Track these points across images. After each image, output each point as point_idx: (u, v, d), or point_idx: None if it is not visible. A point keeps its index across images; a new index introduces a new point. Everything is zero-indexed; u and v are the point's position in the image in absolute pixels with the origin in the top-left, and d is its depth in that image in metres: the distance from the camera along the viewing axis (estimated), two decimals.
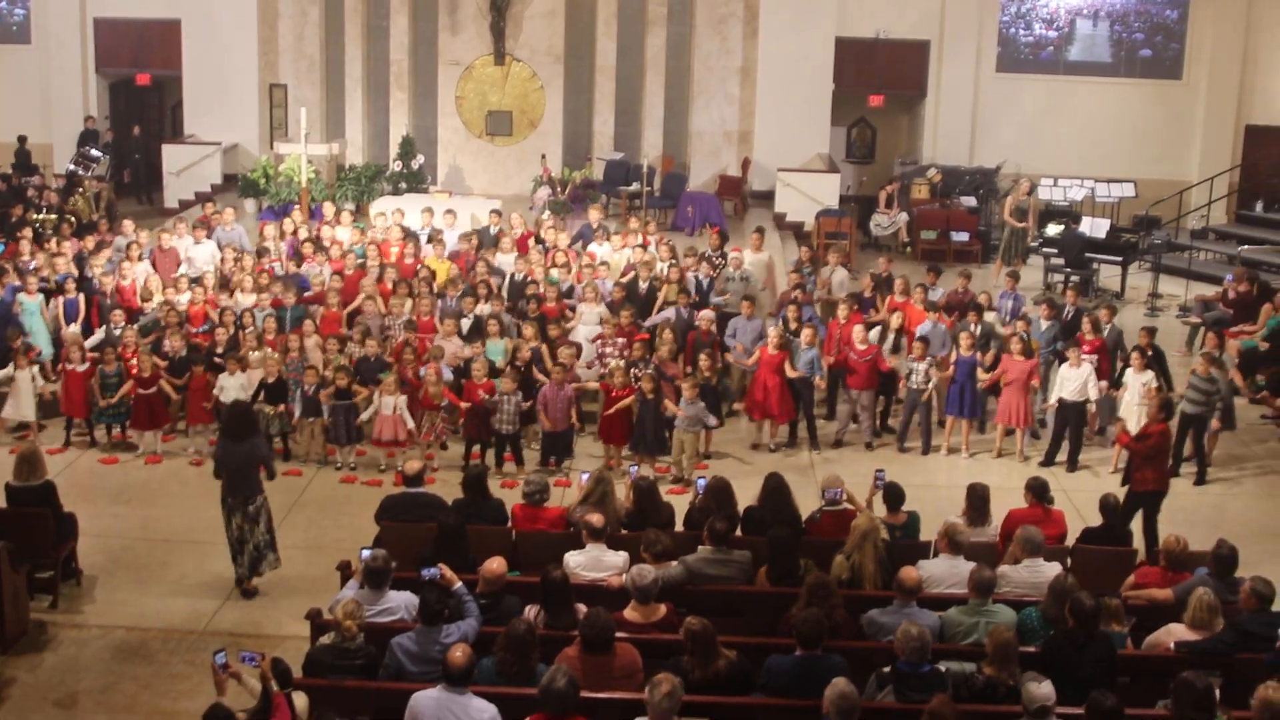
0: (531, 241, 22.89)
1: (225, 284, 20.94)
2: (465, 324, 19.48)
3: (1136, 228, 30.44)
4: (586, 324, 19.60)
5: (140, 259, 21.60)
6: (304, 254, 21.97)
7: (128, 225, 23.12)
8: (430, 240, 22.81)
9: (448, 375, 18.13)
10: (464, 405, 17.71)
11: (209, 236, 23.03)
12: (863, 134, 35.15)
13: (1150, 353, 18.56)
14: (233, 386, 17.66)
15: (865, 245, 30.07)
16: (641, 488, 13.65)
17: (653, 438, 17.67)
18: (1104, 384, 18.66)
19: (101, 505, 16.53)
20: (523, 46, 31.52)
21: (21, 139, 31.38)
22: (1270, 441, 19.96)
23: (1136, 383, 18.05)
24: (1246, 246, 29.83)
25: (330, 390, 17.74)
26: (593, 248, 22.94)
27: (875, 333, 19.26)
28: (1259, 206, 33.08)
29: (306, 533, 15.95)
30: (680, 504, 14.38)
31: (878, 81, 32.87)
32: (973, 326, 19.35)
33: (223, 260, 22.08)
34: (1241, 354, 21.50)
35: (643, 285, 20.96)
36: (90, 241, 22.64)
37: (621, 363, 18.16)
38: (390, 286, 20.52)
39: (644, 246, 22.76)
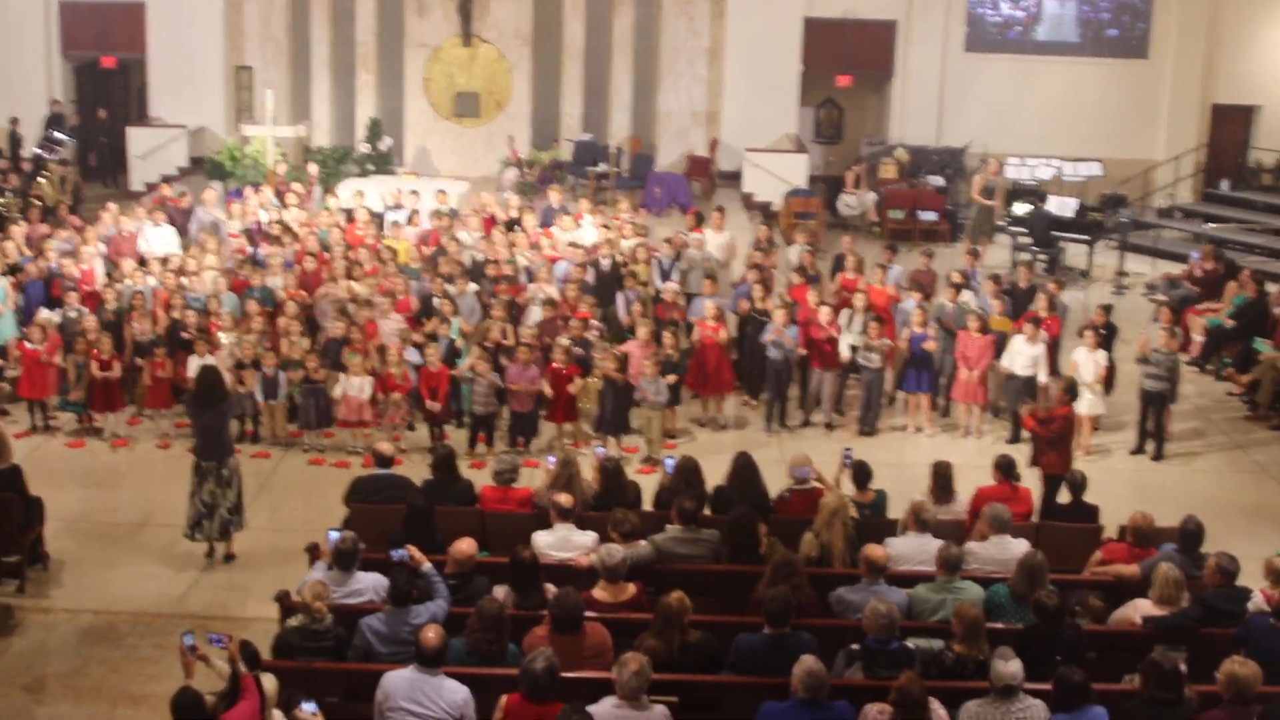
0: (498, 222, 22.85)
1: (194, 266, 20.78)
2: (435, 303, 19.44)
3: (1103, 206, 30.51)
4: (539, 305, 19.55)
5: (95, 242, 21.50)
6: (273, 235, 21.88)
7: (108, 212, 22.98)
8: (398, 222, 22.73)
9: (414, 357, 18.06)
10: (432, 403, 17.70)
11: (170, 220, 22.92)
12: (830, 114, 35.14)
13: (1104, 331, 18.62)
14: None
15: (833, 225, 30.09)
16: (607, 468, 13.65)
17: (613, 418, 17.67)
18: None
19: (69, 489, 16.46)
20: (490, 28, 31.48)
21: (13, 120, 31.03)
22: (1235, 418, 20.07)
23: (1089, 361, 18.12)
24: (1212, 225, 29.96)
25: (300, 374, 17.70)
26: (552, 227, 22.93)
27: (844, 315, 19.26)
28: (1225, 185, 33.24)
29: (275, 515, 15.92)
30: (649, 483, 14.38)
31: (845, 62, 32.84)
32: (949, 304, 19.41)
33: (198, 242, 21.91)
34: (1208, 331, 21.63)
35: (604, 264, 20.92)
36: (51, 230, 22.49)
37: (565, 341, 18.10)
38: (354, 267, 20.45)
39: (606, 226, 22.75)
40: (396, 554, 11.03)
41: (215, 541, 14.52)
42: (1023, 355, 18.32)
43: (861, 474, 13.59)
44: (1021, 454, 16.52)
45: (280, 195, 24.55)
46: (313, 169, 25.69)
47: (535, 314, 19.22)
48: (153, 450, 17.77)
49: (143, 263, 20.71)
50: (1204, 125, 33.77)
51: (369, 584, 11.24)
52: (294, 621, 10.57)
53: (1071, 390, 15.63)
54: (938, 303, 19.66)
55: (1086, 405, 18.19)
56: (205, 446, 14.36)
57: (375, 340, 18.45)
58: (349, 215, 23.12)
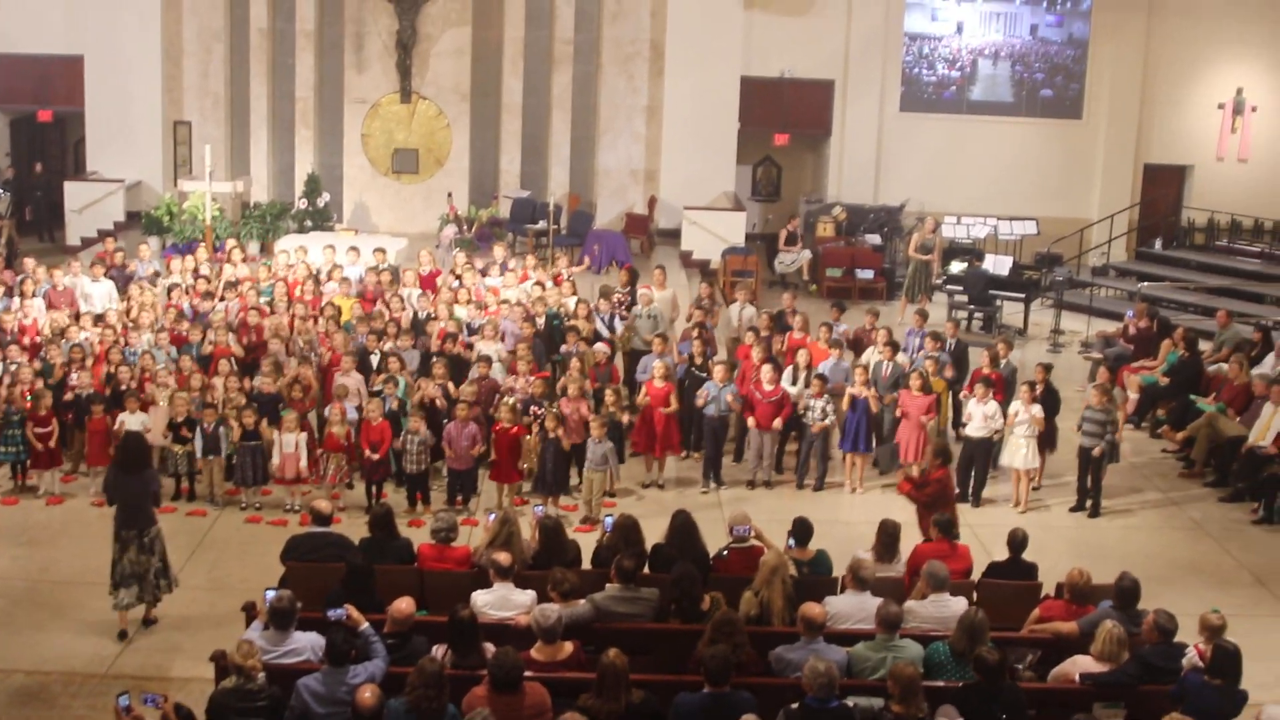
0: (440, 280, 22.82)
1: (131, 322, 20.60)
2: (372, 361, 19.37)
3: (1039, 265, 30.84)
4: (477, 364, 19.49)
5: (35, 295, 21.36)
6: (210, 292, 21.79)
7: (28, 263, 22.83)
8: (331, 278, 22.66)
9: (352, 414, 17.98)
10: (370, 454, 17.59)
11: (112, 273, 22.79)
12: (768, 172, 35.38)
13: (1042, 388, 18.75)
14: (134, 424, 17.45)
15: (772, 283, 30.22)
16: (547, 526, 13.59)
17: (553, 478, 17.64)
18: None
19: (1, 547, 16.27)
20: (429, 84, 31.53)
21: None
22: (1170, 475, 20.21)
23: (1024, 415, 18.29)
24: (1146, 283, 30.24)
25: (238, 431, 17.58)
26: (493, 281, 22.92)
27: (788, 373, 19.32)
28: (1158, 244, 33.70)
29: (211, 574, 15.75)
30: (589, 542, 14.34)
31: (783, 120, 33.12)
32: (887, 364, 19.51)
33: (128, 296, 21.78)
34: (1143, 389, 21.79)
35: (539, 322, 20.90)
36: None
37: (511, 400, 18.08)
38: (295, 323, 20.40)
39: (541, 284, 22.76)
40: (334, 613, 10.95)
41: (148, 606, 14.25)
42: (976, 416, 18.42)
43: (802, 531, 13.59)
44: (963, 514, 16.62)
45: (220, 251, 24.43)
46: (230, 243, 25.31)
47: (476, 372, 19.16)
48: (87, 508, 17.52)
49: (78, 317, 20.54)
50: (1137, 185, 34.29)
51: (306, 643, 11.13)
52: (227, 683, 10.44)
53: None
54: (875, 362, 19.74)
55: (1020, 460, 18.34)
56: (126, 515, 14.01)
57: (312, 401, 18.37)
58: (308, 271, 22.98)
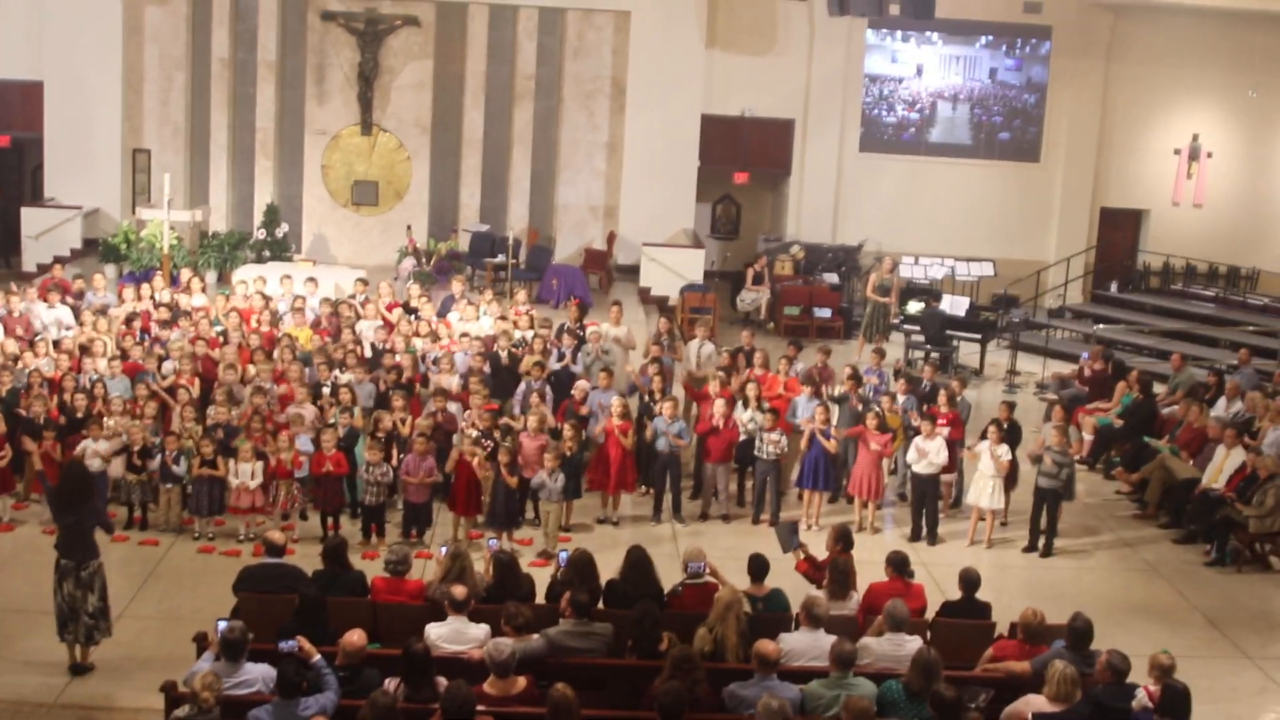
0: (397, 312, 22.78)
1: (86, 349, 20.48)
2: (324, 391, 19.30)
3: (995, 306, 31.02)
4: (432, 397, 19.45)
5: None
6: (168, 320, 21.71)
7: None
8: (291, 309, 22.60)
9: (306, 445, 17.90)
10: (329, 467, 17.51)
11: (63, 300, 22.66)
12: (728, 210, 35.51)
13: (1007, 426, 18.84)
14: (96, 452, 17.38)
15: (733, 321, 30.29)
16: (502, 561, 13.55)
17: (504, 511, 17.59)
18: (966, 451, 19.06)
19: None
20: (390, 117, 31.57)
21: None
22: (1123, 516, 20.29)
23: (990, 454, 18.36)
24: (1102, 325, 30.46)
25: (198, 460, 17.47)
26: (451, 317, 22.91)
27: (740, 407, 19.35)
28: (1114, 287, 33.95)
29: (162, 604, 15.62)
30: (543, 576, 14.30)
31: (743, 159, 33.29)
32: (852, 399, 19.57)
33: (82, 325, 21.66)
34: (1097, 430, 21.90)
35: (502, 355, 20.89)
36: None
37: (474, 433, 18.06)
38: (250, 354, 20.33)
39: (502, 317, 22.75)
40: (286, 645, 10.89)
41: (81, 646, 13.92)
42: (923, 453, 18.47)
43: (757, 568, 13.58)
44: (917, 552, 16.71)
45: (178, 280, 24.33)
46: (185, 274, 25.17)
47: (433, 405, 19.12)
48: (38, 536, 17.30)
49: (31, 344, 20.41)
50: (1093, 228, 34.62)
51: (258, 675, 11.06)
52: (180, 713, 10.36)
53: (843, 538, 15.20)
54: (840, 393, 19.83)
55: (986, 499, 18.43)
56: (67, 545, 13.73)
57: (270, 425, 18.29)
58: (265, 301, 22.90)
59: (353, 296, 23.76)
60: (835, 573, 13.56)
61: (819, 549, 14.95)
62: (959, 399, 19.74)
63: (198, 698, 10.17)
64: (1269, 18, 32.23)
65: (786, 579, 14.14)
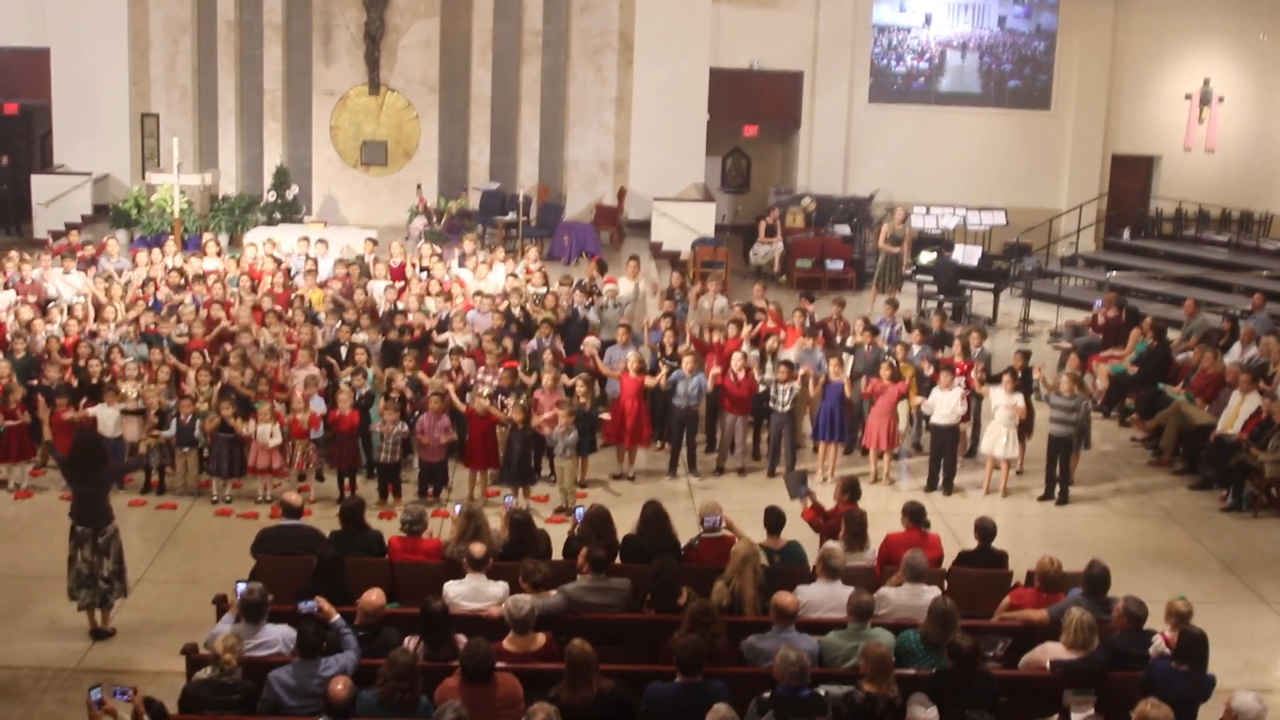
0: (410, 270, 22.80)
1: (99, 315, 20.51)
2: (343, 351, 19.33)
3: (1008, 255, 30.95)
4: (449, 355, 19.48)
5: (4, 289, 21.32)
6: (181, 284, 21.74)
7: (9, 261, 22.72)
8: (304, 271, 22.62)
9: (319, 406, 17.94)
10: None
11: (79, 267, 22.68)
12: (738, 164, 35.44)
13: (1021, 375, 18.83)
14: (108, 418, 17.43)
15: (745, 274, 30.26)
16: (517, 519, 13.60)
17: (518, 468, 17.63)
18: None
19: None
20: (397, 76, 31.45)
21: None
22: (1139, 463, 20.29)
23: (1004, 403, 18.38)
24: (1114, 272, 30.38)
25: (215, 421, 17.51)
26: (463, 274, 22.92)
27: (754, 355, 19.35)
28: (1126, 234, 33.87)
29: (181, 567, 15.69)
30: (560, 533, 14.33)
31: (752, 112, 33.17)
32: (867, 347, 19.57)
33: (95, 291, 21.67)
34: (1112, 378, 21.88)
35: (516, 312, 20.90)
36: None
37: (485, 389, 18.09)
38: (263, 316, 20.35)
39: (514, 274, 22.75)
40: (305, 606, 10.93)
41: (96, 610, 14.00)
42: (942, 405, 18.48)
43: (773, 520, 13.61)
44: (933, 502, 16.72)
45: (198, 244, 24.35)
46: (208, 238, 25.15)
47: (448, 364, 19.14)
48: (55, 502, 17.36)
49: (44, 311, 20.45)
50: (1105, 175, 34.49)
51: (278, 636, 11.11)
52: (202, 674, 10.41)
53: (850, 489, 15.23)
54: (855, 344, 19.83)
55: (1000, 448, 18.45)
56: (82, 512, 13.85)
57: (279, 392, 18.34)
58: (276, 263, 22.94)
59: (362, 257, 23.75)
60: (851, 524, 13.56)
61: (827, 499, 14.99)
62: (978, 349, 19.72)
63: (220, 660, 10.22)
64: None
65: (801, 530, 14.16)
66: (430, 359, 19.46)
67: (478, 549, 12.29)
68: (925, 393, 19.03)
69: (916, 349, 19.91)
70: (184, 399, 17.82)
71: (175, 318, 20.23)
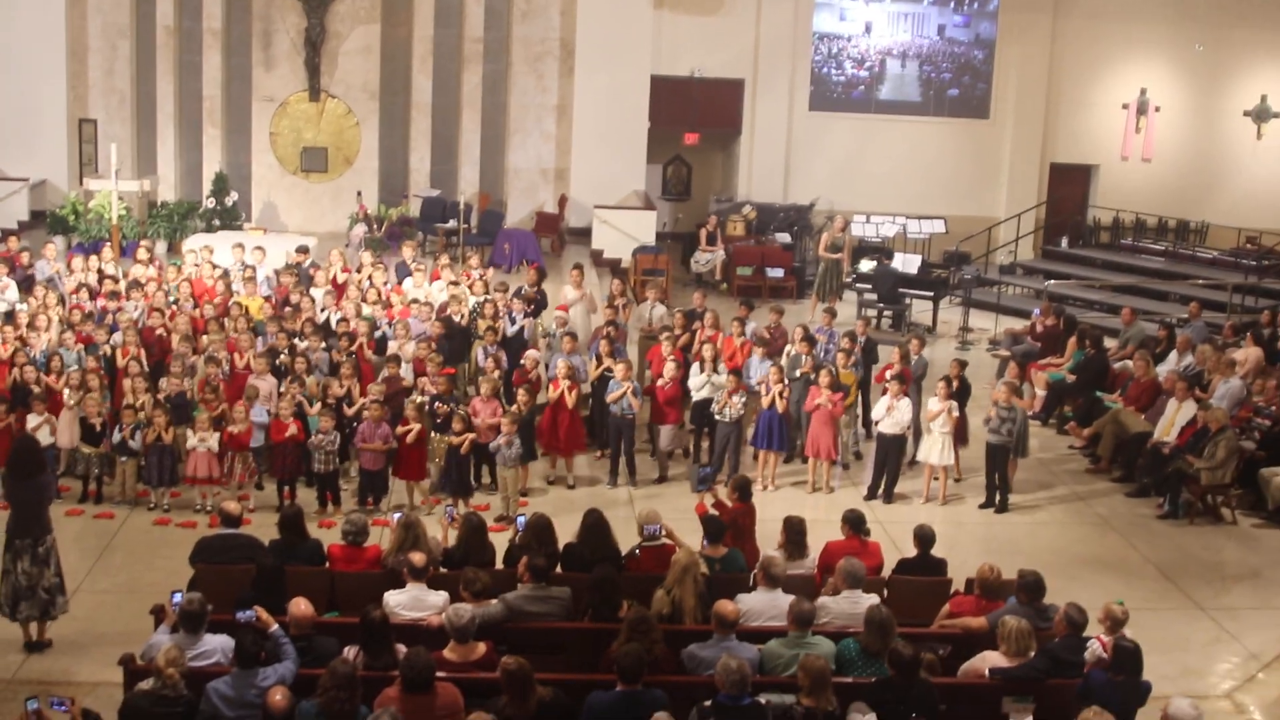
0: (349, 277, 22.71)
1: (32, 323, 20.30)
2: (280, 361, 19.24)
3: (947, 263, 31.13)
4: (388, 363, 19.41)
5: None
6: (116, 292, 21.57)
7: None
8: (245, 279, 22.47)
9: (260, 416, 17.83)
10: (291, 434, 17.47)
11: (10, 274, 22.45)
12: (678, 171, 35.48)
13: (957, 384, 18.93)
14: (39, 427, 17.29)
15: (686, 282, 30.32)
16: (472, 524, 13.57)
17: (457, 478, 17.63)
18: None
19: None
20: (338, 83, 31.35)
21: None
22: (1077, 470, 20.42)
23: (940, 411, 18.51)
24: (1053, 281, 30.59)
25: (153, 431, 17.38)
26: (405, 283, 22.86)
27: (695, 368, 19.37)
28: (1064, 242, 34.14)
29: (119, 577, 15.56)
30: (501, 541, 14.30)
31: (693, 119, 33.26)
32: (804, 358, 19.60)
33: (32, 297, 21.47)
34: (1050, 386, 22.00)
35: (457, 320, 20.87)
36: None
37: (418, 398, 18.06)
38: (204, 324, 20.22)
39: (456, 282, 22.69)
40: (243, 615, 10.88)
41: (35, 622, 13.76)
42: (889, 413, 18.58)
43: (713, 529, 13.62)
44: (873, 511, 16.79)
45: (133, 251, 24.14)
46: (145, 245, 24.94)
47: (387, 371, 19.08)
48: None
49: None
50: (1043, 184, 34.79)
51: (216, 646, 11.02)
52: (144, 685, 10.33)
53: (742, 488, 15.09)
54: (793, 356, 19.85)
55: (937, 456, 18.53)
56: (19, 521, 13.54)
57: (224, 396, 18.23)
58: (215, 270, 22.78)
59: (300, 264, 23.61)
60: (790, 532, 13.58)
61: (777, 510, 15.01)
62: (915, 357, 19.82)
63: (163, 674, 10.12)
64: None
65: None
66: (369, 367, 19.37)
67: (418, 558, 12.26)
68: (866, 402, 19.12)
69: (854, 357, 19.85)
70: (125, 409, 17.68)
71: (109, 326, 20.04)
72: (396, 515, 13.65)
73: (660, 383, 18.96)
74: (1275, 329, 23.60)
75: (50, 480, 14.71)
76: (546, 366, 19.67)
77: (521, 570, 12.43)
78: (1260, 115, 35.31)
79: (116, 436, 17.51)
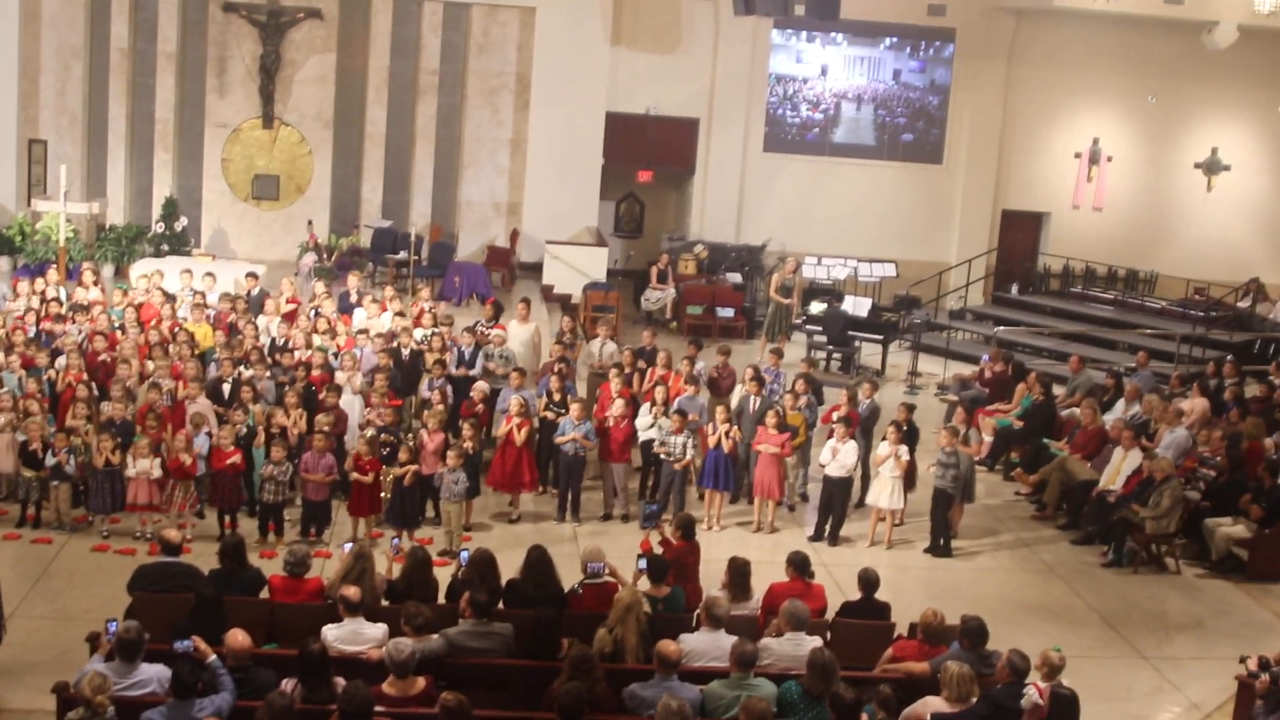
0: (298, 306, 22.57)
1: None
2: (225, 389, 19.09)
3: (897, 307, 31.23)
4: (346, 393, 19.28)
5: None
6: (61, 315, 21.36)
7: None
8: (190, 305, 22.29)
9: (202, 444, 17.65)
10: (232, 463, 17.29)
11: None
12: (631, 209, 35.48)
13: (905, 428, 18.94)
14: None
15: (636, 320, 30.30)
16: (418, 557, 13.48)
17: (403, 510, 17.52)
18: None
19: None
20: (292, 111, 31.24)
21: None
22: (1022, 517, 20.46)
23: (889, 455, 18.50)
24: (1002, 327, 30.69)
25: (101, 458, 17.17)
26: (356, 314, 22.74)
27: (644, 408, 19.33)
28: (1014, 289, 34.28)
29: (55, 603, 15.37)
30: (445, 575, 14.20)
31: (647, 157, 33.28)
32: (754, 399, 19.58)
33: None
34: (997, 432, 22.06)
35: (405, 352, 20.78)
36: None
37: (370, 432, 17.96)
38: (148, 349, 20.04)
39: (402, 314, 22.60)
40: (181, 645, 10.74)
41: None
42: (837, 456, 18.57)
43: (657, 569, 13.56)
44: (818, 553, 16.77)
45: (76, 274, 23.94)
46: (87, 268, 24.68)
47: (342, 401, 18.95)
48: None
49: None
50: (994, 230, 34.94)
51: (153, 675, 10.89)
52: (74, 715, 10.18)
53: (685, 526, 15.16)
54: (741, 396, 19.83)
55: (885, 499, 18.54)
56: None
57: (166, 423, 18.05)
58: (164, 295, 22.56)
59: (249, 291, 23.47)
60: (734, 573, 13.54)
61: (722, 551, 14.97)
62: (866, 401, 19.85)
63: (91, 701, 9.98)
64: (1167, 24, 32.62)
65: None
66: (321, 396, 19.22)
67: (352, 593, 12.15)
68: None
69: (802, 398, 19.85)
70: (60, 433, 17.49)
71: (51, 349, 19.84)
72: (347, 546, 13.55)
73: (610, 422, 18.90)
74: (1221, 380, 23.77)
75: None
76: (496, 395, 19.61)
77: (464, 606, 12.36)
78: (1210, 168, 35.59)
79: (51, 460, 17.31)
